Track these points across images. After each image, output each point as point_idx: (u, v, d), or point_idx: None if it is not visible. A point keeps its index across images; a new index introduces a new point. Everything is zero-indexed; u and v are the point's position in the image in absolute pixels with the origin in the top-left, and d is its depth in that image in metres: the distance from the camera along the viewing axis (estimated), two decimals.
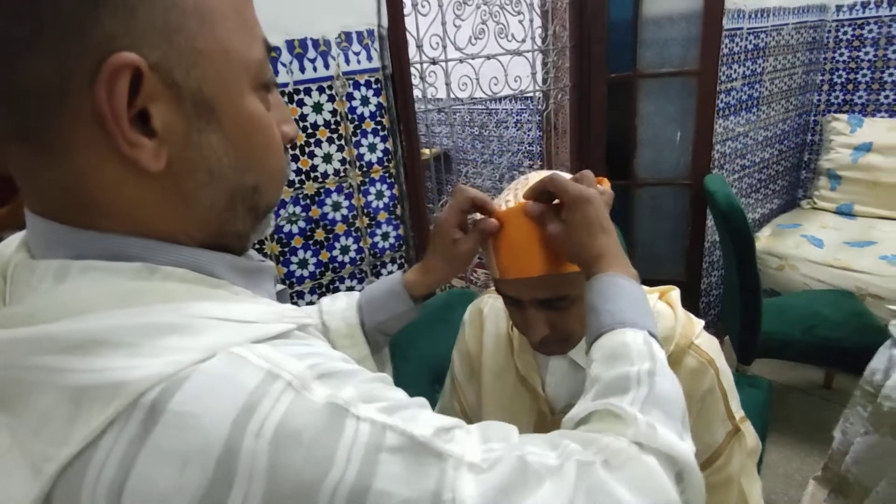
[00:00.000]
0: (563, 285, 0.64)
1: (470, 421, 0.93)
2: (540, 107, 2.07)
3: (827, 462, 1.45)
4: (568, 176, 0.61)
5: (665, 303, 0.80)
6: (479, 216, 0.65)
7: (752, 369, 1.88)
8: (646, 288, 0.83)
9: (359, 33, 1.11)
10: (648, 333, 0.49)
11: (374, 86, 1.17)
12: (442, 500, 0.31)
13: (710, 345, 0.75)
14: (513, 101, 2.60)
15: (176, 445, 0.27)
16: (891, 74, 2.60)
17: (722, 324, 2.12)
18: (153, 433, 0.27)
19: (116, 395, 0.27)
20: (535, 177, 0.66)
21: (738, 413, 0.75)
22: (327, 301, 0.69)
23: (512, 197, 0.65)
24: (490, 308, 0.89)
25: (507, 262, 0.63)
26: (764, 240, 2.49)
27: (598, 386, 0.47)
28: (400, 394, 0.36)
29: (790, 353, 1.90)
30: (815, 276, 2.26)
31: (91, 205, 0.32)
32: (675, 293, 0.81)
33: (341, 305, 0.67)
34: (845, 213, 2.66)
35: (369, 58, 1.14)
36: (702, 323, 0.77)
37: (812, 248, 2.35)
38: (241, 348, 0.30)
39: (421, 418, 0.34)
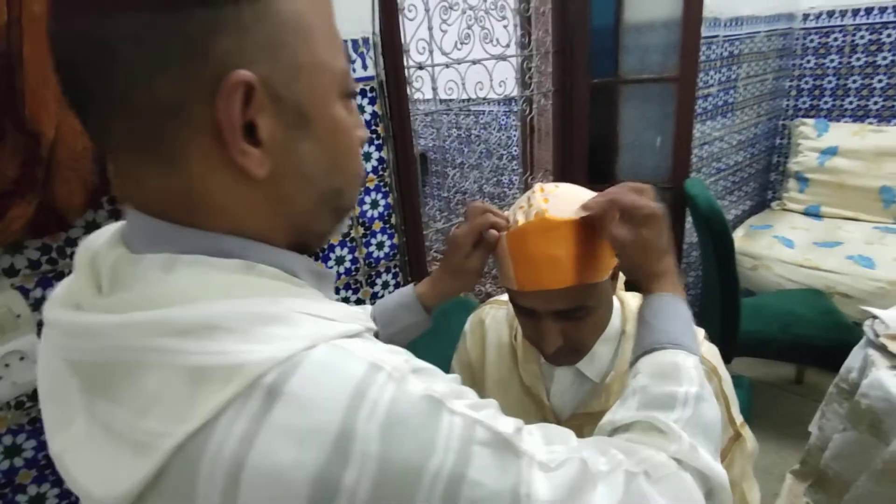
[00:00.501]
0: (582, 296, 0.65)
1: None
2: (525, 110, 2.08)
3: (805, 457, 1.51)
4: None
5: None
6: (492, 232, 0.66)
7: (729, 368, 1.94)
8: (641, 295, 0.85)
9: (354, 41, 1.10)
10: (699, 360, 0.52)
11: (369, 94, 1.16)
12: (519, 494, 0.33)
13: (712, 353, 0.77)
14: (498, 105, 2.61)
15: (295, 423, 0.29)
16: (854, 81, 2.71)
17: (701, 324, 2.18)
18: (273, 412, 0.29)
19: (235, 376, 0.29)
20: (550, 188, 0.67)
21: (739, 418, 0.78)
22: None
23: (524, 210, 0.66)
24: (492, 319, 0.90)
25: (527, 274, 0.63)
26: (738, 241, 2.57)
27: (642, 397, 0.49)
28: (474, 394, 0.37)
29: (768, 352, 1.97)
30: (787, 275, 2.35)
31: (197, 206, 0.35)
32: None
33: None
34: (813, 214, 2.77)
35: (364, 66, 1.13)
36: (702, 332, 0.79)
37: (783, 249, 2.44)
38: (339, 340, 0.33)
39: (500, 417, 0.36)
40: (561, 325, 0.67)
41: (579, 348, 0.73)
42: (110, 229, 0.40)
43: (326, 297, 0.40)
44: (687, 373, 0.50)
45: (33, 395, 0.83)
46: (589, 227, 0.62)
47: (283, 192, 0.37)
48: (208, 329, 0.30)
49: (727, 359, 1.89)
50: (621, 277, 0.84)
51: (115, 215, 0.85)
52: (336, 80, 0.38)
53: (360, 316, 0.37)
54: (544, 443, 0.38)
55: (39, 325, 0.82)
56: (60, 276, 0.83)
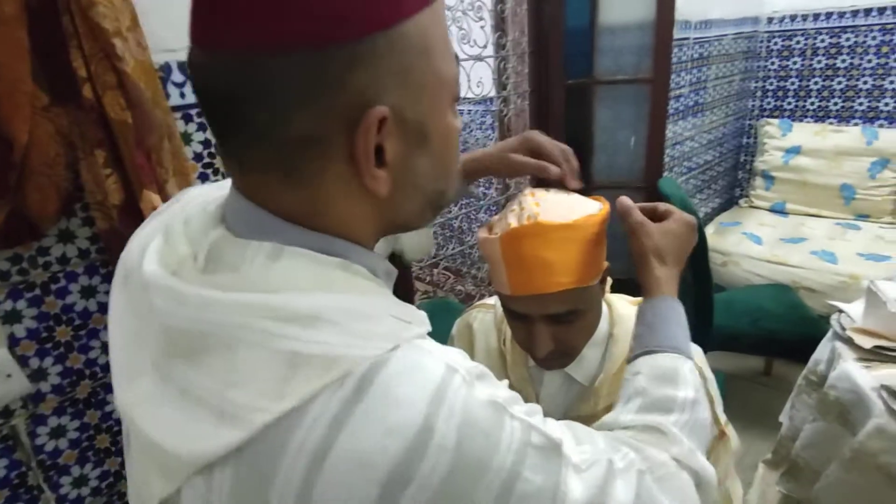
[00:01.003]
0: (574, 300, 0.65)
1: None
2: (502, 110, 2.09)
3: (776, 447, 1.56)
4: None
5: None
6: (484, 235, 0.66)
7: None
8: (629, 298, 0.87)
9: None
10: (693, 364, 0.54)
11: None
12: (559, 491, 0.36)
13: (697, 354, 0.78)
14: (476, 105, 2.62)
15: (383, 414, 0.31)
16: (816, 83, 2.82)
17: None
18: (364, 401, 0.31)
19: (334, 367, 0.31)
20: (541, 193, 0.67)
21: (723, 418, 0.79)
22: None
23: (516, 217, 0.66)
24: (480, 322, 0.90)
25: (520, 278, 0.64)
26: (708, 238, 2.64)
27: (643, 400, 0.51)
28: (521, 399, 0.40)
29: (739, 346, 2.03)
30: (755, 271, 2.43)
31: (317, 213, 0.37)
32: None
33: None
34: (779, 211, 2.87)
35: None
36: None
37: (752, 245, 2.52)
38: (417, 341, 0.35)
39: (548, 422, 0.39)
40: (552, 329, 0.68)
41: (569, 352, 0.73)
42: (200, 200, 0.43)
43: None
44: (685, 377, 0.52)
45: (5, 412, 0.79)
46: (580, 231, 0.63)
47: (395, 202, 0.39)
48: (311, 319, 0.33)
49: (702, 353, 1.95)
50: (608, 281, 0.85)
51: (90, 223, 0.82)
52: (450, 90, 0.40)
53: (425, 318, 0.39)
54: (575, 443, 0.40)
55: (10, 338, 0.78)
56: (33, 287, 0.79)
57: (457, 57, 0.42)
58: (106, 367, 0.89)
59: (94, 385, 0.88)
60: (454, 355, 0.37)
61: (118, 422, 0.92)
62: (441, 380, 0.33)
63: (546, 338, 0.68)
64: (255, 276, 0.35)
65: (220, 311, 0.33)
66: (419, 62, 0.36)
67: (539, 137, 0.70)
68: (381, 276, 0.42)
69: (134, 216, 0.78)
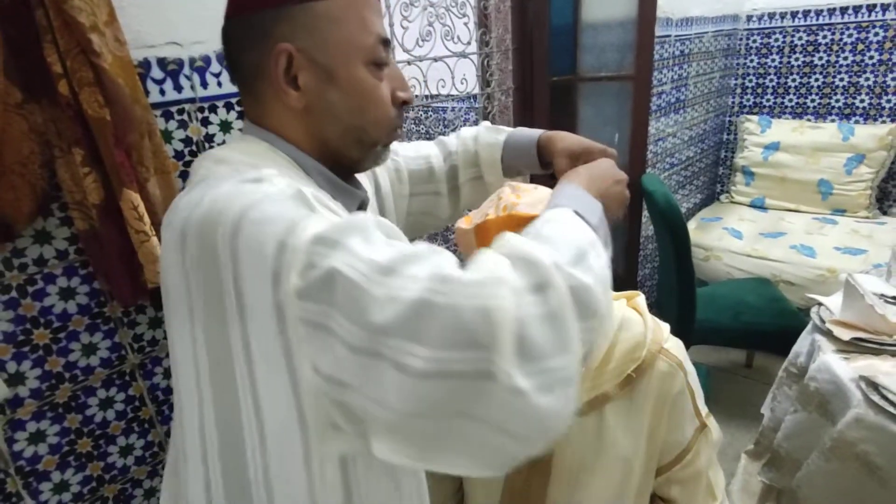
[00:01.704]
0: None
1: None
2: (486, 107, 2.09)
3: (758, 437, 1.59)
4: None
5: (633, 308, 0.84)
6: (461, 225, 0.67)
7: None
8: (611, 293, 0.87)
9: None
10: (573, 211, 0.54)
11: None
12: (297, 224, 0.44)
13: (678, 348, 0.79)
14: (460, 102, 2.62)
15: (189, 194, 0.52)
16: (794, 80, 2.87)
17: (658, 313, 2.26)
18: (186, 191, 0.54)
19: (204, 176, 0.54)
20: (524, 187, 0.67)
21: (704, 409, 0.81)
22: (484, 132, 0.90)
23: (493, 210, 0.66)
24: None
25: None
26: (691, 233, 2.67)
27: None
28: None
29: (721, 339, 2.07)
30: (736, 265, 2.47)
31: (267, 120, 0.58)
32: (640, 299, 0.86)
33: (492, 141, 0.88)
34: (758, 206, 2.92)
35: None
36: (668, 326, 0.82)
37: (733, 240, 2.56)
38: (259, 183, 0.50)
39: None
40: None
41: None
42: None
43: (341, 207, 0.53)
44: (550, 215, 0.52)
45: None
46: None
47: (315, 120, 0.57)
48: (222, 161, 0.55)
49: (685, 347, 1.99)
50: None
51: (68, 223, 0.80)
52: (359, 52, 0.56)
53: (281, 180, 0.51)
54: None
55: None
56: (8, 289, 0.77)
57: (385, 40, 0.58)
58: (87, 370, 0.87)
59: (74, 388, 0.86)
60: (256, 173, 0.50)
61: (101, 425, 0.90)
62: (223, 176, 0.51)
63: None
64: (214, 150, 0.58)
65: (198, 162, 0.58)
66: (325, 25, 0.54)
67: (603, 160, 0.74)
68: (315, 176, 0.58)
69: (114, 215, 0.76)
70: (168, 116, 0.87)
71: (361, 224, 0.43)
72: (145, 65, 0.83)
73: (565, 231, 0.49)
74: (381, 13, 0.59)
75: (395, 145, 0.86)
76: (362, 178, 0.76)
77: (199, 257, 0.45)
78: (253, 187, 0.46)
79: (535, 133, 0.85)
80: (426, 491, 0.64)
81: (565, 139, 0.80)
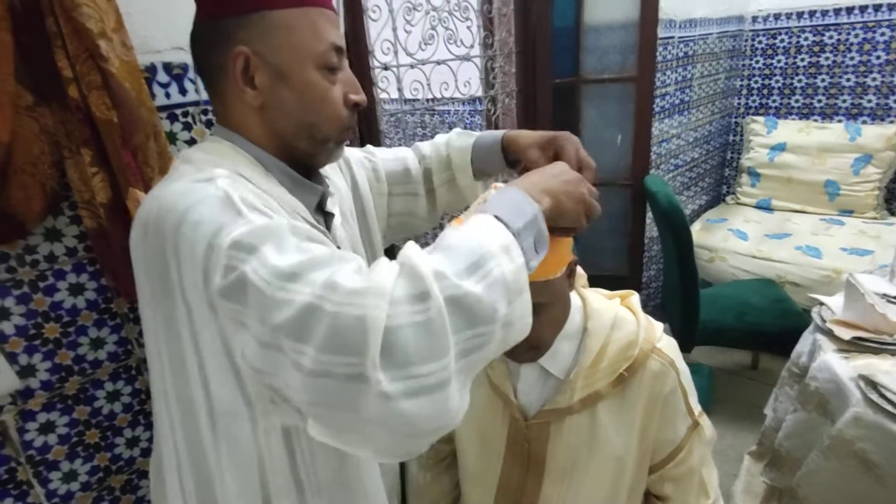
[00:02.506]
0: (537, 293, 0.66)
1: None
2: (489, 109, 2.11)
3: (761, 438, 1.59)
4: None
5: (627, 308, 0.85)
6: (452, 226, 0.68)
7: (689, 357, 2.03)
8: (606, 293, 0.89)
9: None
10: (493, 216, 0.53)
11: None
12: (221, 231, 0.49)
13: (670, 347, 0.80)
14: (463, 105, 2.64)
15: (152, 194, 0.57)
16: (800, 81, 2.86)
17: (663, 314, 2.26)
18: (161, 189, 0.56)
19: (169, 175, 0.60)
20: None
21: (697, 408, 0.82)
22: (455, 137, 0.93)
23: (480, 206, 0.67)
24: None
25: None
26: (695, 234, 2.67)
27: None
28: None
29: (724, 340, 2.06)
30: (741, 266, 2.46)
31: (230, 119, 0.63)
32: (635, 298, 0.87)
33: (462, 144, 0.91)
34: (764, 207, 2.90)
35: None
36: (661, 326, 0.83)
37: (738, 241, 2.55)
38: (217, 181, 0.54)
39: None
40: None
41: (537, 345, 0.75)
42: None
43: (297, 197, 0.64)
44: (455, 225, 0.54)
45: None
46: None
47: (270, 116, 0.62)
48: (188, 160, 0.60)
49: (688, 348, 1.98)
50: (582, 275, 0.87)
51: (77, 221, 0.83)
52: (311, 57, 0.60)
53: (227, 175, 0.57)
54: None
55: (0, 335, 0.79)
56: (21, 284, 0.80)
57: (338, 48, 0.63)
58: (95, 364, 0.90)
59: (83, 381, 0.89)
60: (207, 173, 0.55)
61: (108, 417, 0.93)
62: (177, 174, 0.57)
63: None
64: (193, 148, 0.64)
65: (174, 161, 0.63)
66: (281, 31, 0.59)
67: (568, 144, 0.75)
68: (274, 172, 0.63)
69: (121, 214, 0.79)
70: (173, 119, 0.91)
71: (277, 230, 0.48)
72: (151, 69, 0.86)
73: (470, 238, 0.49)
74: (338, 25, 0.64)
75: (372, 148, 0.93)
76: (338, 178, 0.80)
77: (154, 250, 0.51)
78: (199, 187, 0.52)
79: (498, 133, 0.87)
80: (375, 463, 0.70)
81: (530, 135, 0.82)
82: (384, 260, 0.48)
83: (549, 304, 0.71)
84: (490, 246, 0.48)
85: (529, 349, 0.74)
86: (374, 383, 0.41)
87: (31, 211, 0.74)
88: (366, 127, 1.23)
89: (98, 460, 0.93)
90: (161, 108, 0.87)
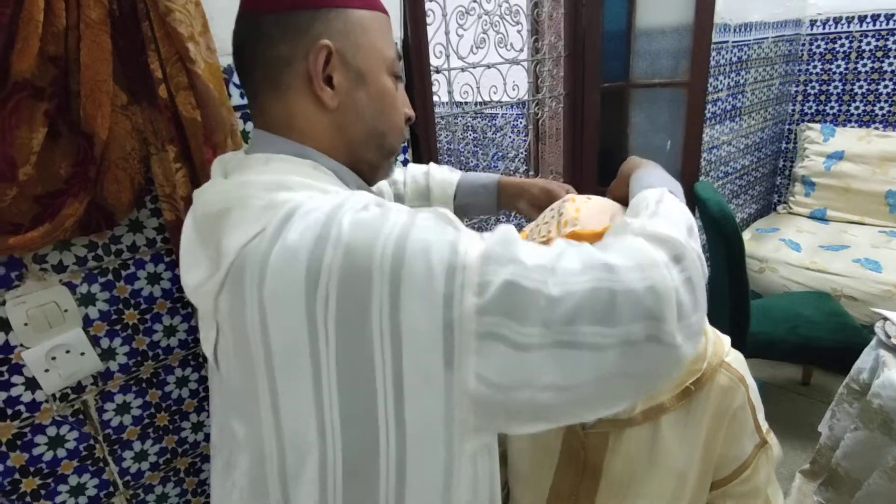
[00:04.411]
0: None
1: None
2: (536, 113, 2.11)
3: (815, 456, 1.54)
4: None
5: None
6: None
7: None
8: None
9: None
10: (668, 191, 0.60)
11: None
12: (457, 245, 0.45)
13: (739, 361, 0.78)
14: (511, 108, 2.65)
15: (298, 230, 0.45)
16: (860, 87, 2.74)
17: (710, 325, 2.20)
18: (288, 223, 0.46)
19: (279, 207, 0.48)
20: (581, 200, 0.68)
21: (765, 426, 0.79)
22: (436, 169, 0.94)
23: (555, 228, 0.65)
24: None
25: None
26: (745, 243, 2.58)
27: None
28: None
29: (775, 353, 1.99)
30: (793, 278, 2.38)
31: (293, 126, 0.57)
32: None
33: (445, 178, 0.93)
34: (819, 217, 2.80)
35: None
36: (728, 339, 0.81)
37: (790, 252, 2.47)
38: (333, 196, 0.51)
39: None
40: None
41: None
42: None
43: None
44: (653, 195, 0.59)
45: (77, 388, 0.85)
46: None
47: (344, 121, 0.58)
48: (278, 186, 0.50)
49: None
50: None
51: (157, 214, 0.88)
52: (385, 62, 0.59)
53: (347, 190, 0.55)
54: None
55: (85, 319, 0.84)
56: (106, 272, 0.85)
57: (399, 55, 0.64)
58: (167, 350, 0.95)
59: (156, 366, 0.94)
60: (355, 199, 0.49)
61: (176, 401, 0.98)
62: (330, 210, 0.47)
63: None
64: (252, 174, 0.53)
65: (227, 190, 0.52)
66: (357, 31, 0.57)
67: (557, 190, 0.85)
68: (352, 185, 0.60)
69: None
70: (246, 118, 0.95)
71: (510, 235, 0.47)
72: (228, 71, 0.90)
73: (672, 209, 0.55)
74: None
75: None
76: None
77: (340, 293, 0.44)
78: (376, 215, 0.46)
79: (493, 177, 0.92)
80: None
81: (531, 182, 0.89)
82: (616, 234, 0.53)
83: None
84: (687, 215, 0.55)
85: None
86: (667, 338, 0.46)
87: (121, 203, 0.79)
88: (422, 130, 1.25)
89: (166, 442, 0.98)
90: (236, 108, 0.91)
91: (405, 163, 1.26)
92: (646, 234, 0.50)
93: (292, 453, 0.50)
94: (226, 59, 0.88)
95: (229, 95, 0.89)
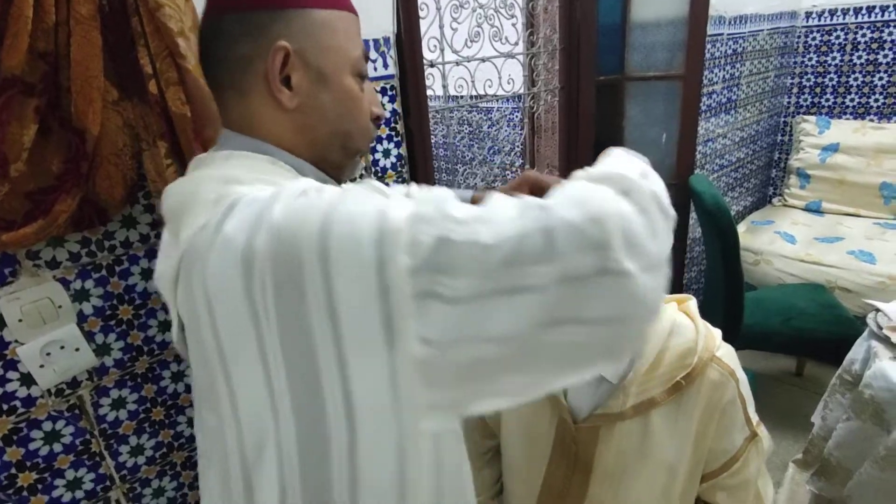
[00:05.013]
0: None
1: (489, 426, 0.96)
2: (532, 107, 2.11)
3: (808, 446, 1.55)
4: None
5: (684, 313, 0.84)
6: None
7: None
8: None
9: (375, 41, 1.13)
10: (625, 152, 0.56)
11: (389, 92, 1.19)
12: (384, 212, 0.44)
13: (730, 356, 0.79)
14: (506, 102, 2.64)
15: (238, 218, 0.46)
16: (856, 79, 2.75)
17: (704, 316, 2.22)
18: (230, 214, 0.47)
19: (226, 200, 0.48)
20: None
21: (755, 418, 0.80)
22: (416, 191, 0.89)
23: None
24: None
25: None
26: (740, 236, 2.59)
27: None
28: None
29: (769, 345, 2.01)
30: (788, 270, 2.39)
31: (254, 125, 0.57)
32: (692, 303, 0.85)
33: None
34: (814, 210, 2.81)
35: (385, 65, 1.16)
36: (720, 333, 0.81)
37: (785, 244, 2.48)
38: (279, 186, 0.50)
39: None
40: None
41: None
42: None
43: None
44: (600, 157, 0.55)
45: (72, 383, 0.86)
46: None
47: (306, 121, 0.58)
48: (231, 180, 0.51)
49: None
50: None
51: (151, 210, 0.88)
52: (348, 62, 0.58)
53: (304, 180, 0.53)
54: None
55: (79, 315, 0.84)
56: (99, 268, 0.85)
57: (366, 55, 0.63)
58: (162, 345, 0.95)
59: (151, 361, 0.94)
60: (295, 186, 0.48)
61: (172, 396, 0.98)
62: (268, 198, 0.47)
63: None
64: (212, 170, 0.54)
65: (186, 184, 0.54)
66: (319, 31, 0.56)
67: (536, 175, 0.76)
68: (311, 176, 0.58)
69: None
70: None
71: (441, 195, 0.46)
72: None
73: (622, 158, 0.53)
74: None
75: None
76: None
77: (275, 276, 0.44)
78: (312, 198, 0.46)
79: (467, 194, 0.87)
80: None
81: (505, 189, 0.84)
82: (560, 185, 0.49)
83: None
84: (641, 164, 0.52)
85: None
86: (614, 266, 0.42)
87: (114, 199, 0.79)
88: (416, 125, 1.25)
89: (162, 436, 0.98)
90: None
91: (399, 158, 1.26)
92: (589, 177, 0.48)
93: (251, 441, 0.50)
94: None
95: None
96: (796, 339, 1.95)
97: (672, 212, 0.50)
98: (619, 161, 0.52)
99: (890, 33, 2.59)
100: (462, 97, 1.85)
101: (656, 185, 0.49)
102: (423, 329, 0.43)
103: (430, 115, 2.19)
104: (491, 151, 2.56)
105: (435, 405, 0.46)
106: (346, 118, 0.59)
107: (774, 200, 3.02)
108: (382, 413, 0.47)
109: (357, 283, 0.43)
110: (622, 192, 0.46)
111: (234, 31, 0.55)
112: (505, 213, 0.44)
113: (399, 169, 1.26)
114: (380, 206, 0.44)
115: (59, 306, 0.82)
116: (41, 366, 0.81)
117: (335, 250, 0.43)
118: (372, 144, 1.21)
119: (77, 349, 0.84)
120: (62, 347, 0.83)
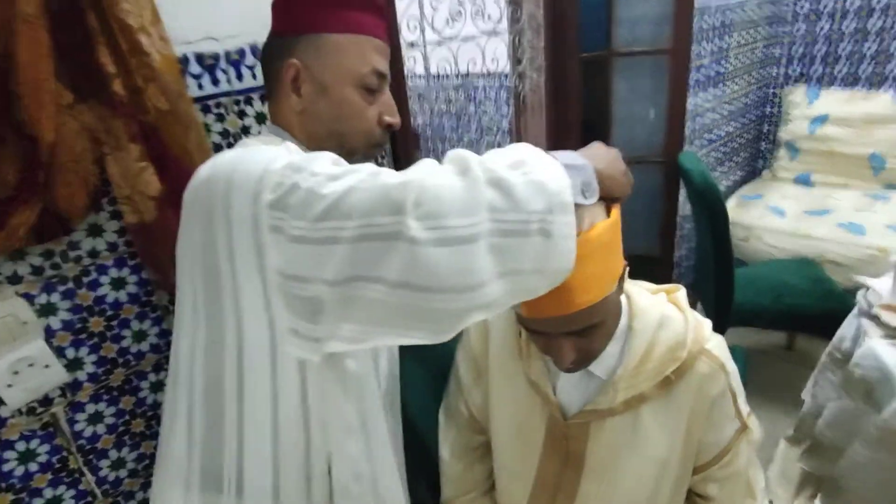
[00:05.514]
0: (594, 314, 0.64)
1: (478, 422, 0.95)
2: (517, 85, 2.05)
3: (798, 423, 1.56)
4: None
5: (673, 304, 0.81)
6: None
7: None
8: (650, 287, 0.85)
9: None
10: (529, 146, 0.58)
11: None
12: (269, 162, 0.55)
13: (720, 348, 0.77)
14: (489, 79, 2.58)
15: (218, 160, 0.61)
16: (845, 48, 2.71)
17: (695, 295, 2.21)
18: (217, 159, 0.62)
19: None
20: None
21: (745, 409, 0.79)
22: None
23: None
24: (496, 316, 0.88)
25: (536, 302, 0.60)
26: (730, 211, 2.56)
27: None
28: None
29: (760, 321, 2.01)
30: (778, 244, 2.38)
31: (279, 119, 0.74)
32: (681, 294, 0.83)
33: None
34: (803, 182, 2.80)
35: None
36: (709, 323, 0.79)
37: (775, 218, 2.47)
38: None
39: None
40: (574, 342, 0.68)
41: (592, 357, 0.74)
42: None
43: None
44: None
45: (44, 401, 0.82)
46: (591, 245, 0.59)
47: (308, 120, 0.72)
48: (244, 145, 0.68)
49: (721, 330, 1.94)
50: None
51: (117, 216, 0.84)
52: (352, 77, 0.71)
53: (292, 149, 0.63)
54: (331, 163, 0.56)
55: (47, 330, 0.81)
56: (65, 280, 0.81)
57: (381, 74, 0.73)
58: (139, 355, 0.92)
59: (127, 373, 0.91)
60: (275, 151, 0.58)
61: (152, 406, 0.95)
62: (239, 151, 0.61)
63: (568, 351, 0.68)
64: (251, 139, 0.73)
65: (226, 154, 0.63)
66: (330, 52, 0.70)
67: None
68: None
69: (175, 207, 0.78)
70: (206, 110, 0.90)
71: (321, 154, 0.56)
72: (184, 60, 0.85)
73: (512, 150, 0.54)
74: (386, 55, 0.74)
75: None
76: None
77: (204, 193, 0.57)
78: (251, 147, 0.62)
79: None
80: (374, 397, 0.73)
81: None
82: None
83: (606, 319, 0.69)
84: (534, 157, 0.53)
85: (583, 362, 0.73)
86: (405, 231, 0.46)
87: (75, 207, 0.74)
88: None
89: (144, 448, 0.96)
90: (194, 100, 0.86)
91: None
92: (447, 157, 0.53)
93: (179, 347, 0.64)
94: (179, 48, 0.83)
95: (186, 87, 0.84)
96: (787, 315, 1.96)
97: (528, 205, 0.49)
98: (504, 150, 0.55)
99: (878, 0, 2.54)
100: (447, 76, 1.79)
101: (513, 175, 0.50)
102: (276, 259, 0.52)
103: (417, 96, 2.12)
104: (477, 131, 2.51)
105: (295, 331, 0.54)
106: (341, 121, 0.72)
107: (764, 173, 3.00)
108: (261, 335, 0.56)
109: (243, 208, 0.53)
110: (458, 171, 0.50)
111: (271, 50, 0.73)
112: (355, 175, 0.51)
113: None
114: (275, 153, 0.55)
115: (25, 322, 0.78)
116: (9, 385, 0.77)
117: (236, 181, 0.54)
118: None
119: (47, 366, 0.80)
120: (31, 365, 0.79)
